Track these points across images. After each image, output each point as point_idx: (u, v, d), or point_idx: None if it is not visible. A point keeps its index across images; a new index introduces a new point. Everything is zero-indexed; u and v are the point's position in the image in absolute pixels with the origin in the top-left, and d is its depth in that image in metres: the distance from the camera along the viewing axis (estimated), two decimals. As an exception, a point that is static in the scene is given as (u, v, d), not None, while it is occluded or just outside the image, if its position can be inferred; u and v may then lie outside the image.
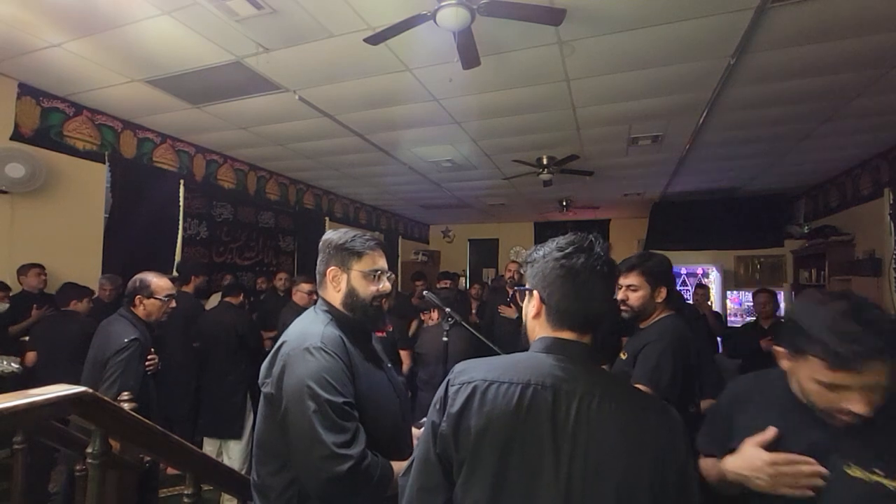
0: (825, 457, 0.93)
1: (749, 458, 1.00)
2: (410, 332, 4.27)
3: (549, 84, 3.33)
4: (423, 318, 4.03)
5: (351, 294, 1.31)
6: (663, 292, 1.82)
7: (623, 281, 1.85)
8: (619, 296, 1.85)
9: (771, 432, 0.99)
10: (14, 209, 3.39)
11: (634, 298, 1.82)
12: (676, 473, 0.76)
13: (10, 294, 3.22)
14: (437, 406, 0.88)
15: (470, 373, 0.89)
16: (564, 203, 7.58)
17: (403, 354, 3.33)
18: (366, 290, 1.32)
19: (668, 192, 6.81)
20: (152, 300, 2.27)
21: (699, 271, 7.25)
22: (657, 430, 0.79)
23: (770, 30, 2.58)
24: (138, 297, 2.27)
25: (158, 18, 2.57)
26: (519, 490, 0.79)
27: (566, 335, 0.89)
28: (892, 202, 4.50)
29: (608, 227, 9.43)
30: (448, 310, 1.90)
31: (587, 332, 0.89)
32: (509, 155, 5.01)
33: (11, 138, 3.36)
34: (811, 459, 0.93)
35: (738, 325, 5.49)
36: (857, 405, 0.87)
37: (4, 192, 3.30)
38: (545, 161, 5.05)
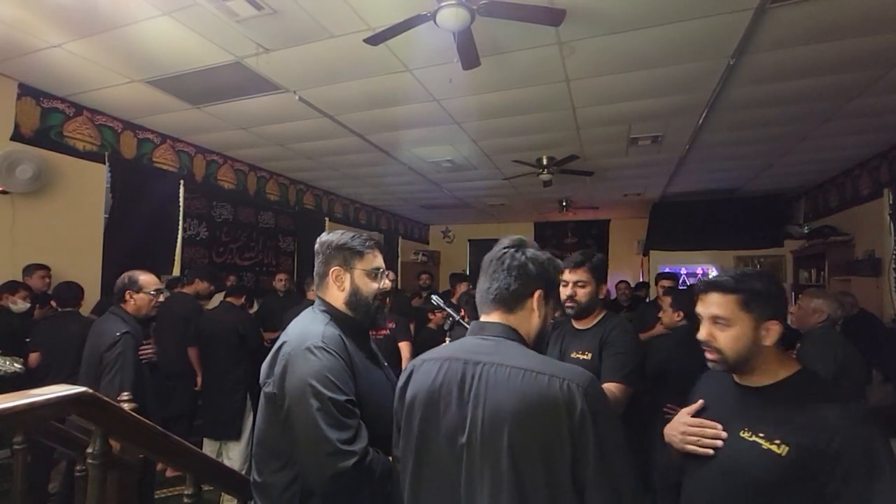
0: (729, 423, 1.12)
1: (675, 421, 1.22)
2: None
3: (548, 84, 3.33)
4: (430, 318, 4.06)
5: (355, 293, 1.33)
6: (604, 290, 1.93)
7: (570, 277, 1.86)
8: (567, 292, 1.86)
9: (699, 403, 1.21)
10: (15, 209, 3.39)
11: (582, 294, 1.85)
12: (571, 433, 0.82)
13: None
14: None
15: (420, 357, 1.07)
16: (564, 203, 7.59)
17: (403, 346, 3.33)
18: (369, 288, 1.35)
19: (668, 192, 6.81)
20: (141, 294, 2.34)
21: (699, 271, 7.25)
22: (548, 391, 0.85)
23: (769, 30, 2.59)
24: (128, 292, 2.34)
25: (158, 19, 2.58)
26: (436, 448, 0.93)
27: (483, 318, 1.04)
28: (891, 202, 4.50)
29: (608, 228, 9.43)
30: (448, 310, 1.92)
31: (492, 311, 1.02)
32: (509, 155, 5.01)
33: (12, 139, 3.36)
34: (716, 424, 1.13)
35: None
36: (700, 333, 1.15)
37: (5, 193, 3.31)
38: (545, 161, 5.06)
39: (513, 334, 1.00)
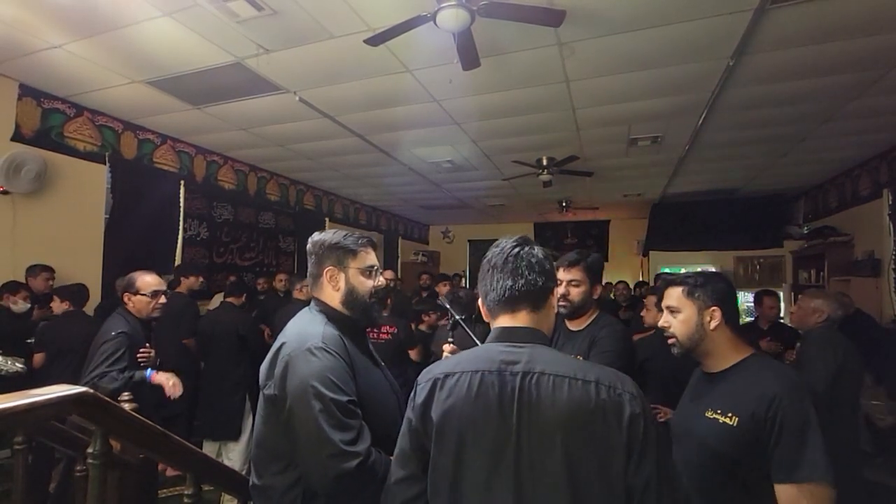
0: (698, 406, 1.29)
1: None
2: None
3: (548, 85, 3.33)
4: (423, 319, 4.03)
5: (351, 292, 1.32)
6: (598, 290, 1.90)
7: (565, 276, 1.86)
8: (560, 290, 1.85)
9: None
10: (16, 210, 3.39)
11: (576, 293, 1.84)
12: (623, 438, 0.81)
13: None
14: (410, 404, 0.99)
15: (433, 370, 0.99)
16: (564, 204, 7.59)
17: (413, 353, 3.31)
18: (364, 286, 1.34)
19: (668, 192, 6.81)
20: (138, 297, 2.34)
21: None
22: (597, 398, 0.84)
23: (769, 31, 2.59)
24: (126, 294, 2.35)
25: (159, 20, 2.58)
26: (477, 468, 0.87)
27: (503, 322, 0.98)
28: (890, 203, 4.50)
29: (608, 228, 9.44)
30: (451, 311, 1.92)
31: (517, 312, 0.97)
32: (509, 156, 5.02)
33: (12, 139, 3.36)
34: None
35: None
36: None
37: (6, 193, 3.31)
38: (545, 162, 5.06)
39: (542, 337, 0.96)
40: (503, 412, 0.86)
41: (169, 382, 2.30)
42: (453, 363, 0.97)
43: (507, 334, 0.95)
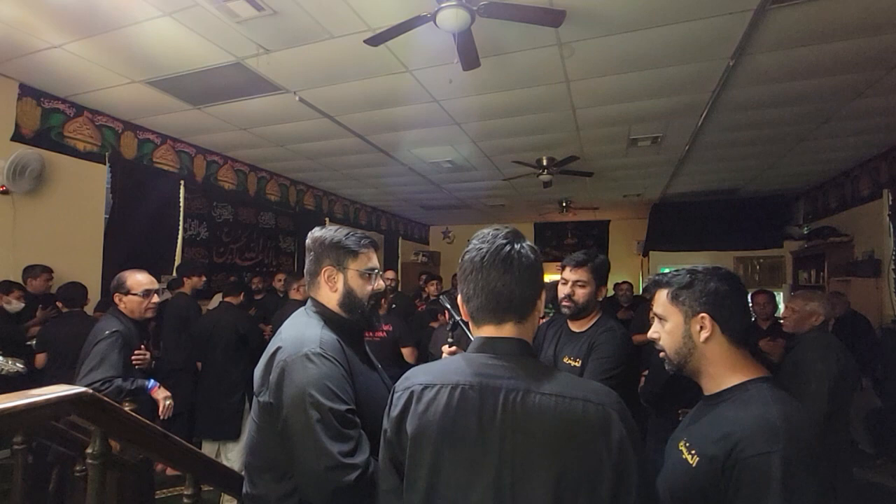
0: (680, 434, 1.08)
1: None
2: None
3: (548, 85, 3.33)
4: (438, 318, 4.05)
5: (349, 294, 1.27)
6: (603, 291, 1.89)
7: (571, 276, 1.86)
8: (565, 291, 1.85)
9: None
10: (16, 209, 3.39)
11: (581, 294, 1.83)
12: (611, 459, 0.76)
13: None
14: (385, 414, 0.93)
15: (411, 378, 0.92)
16: (564, 204, 7.60)
17: (407, 352, 3.32)
18: (363, 289, 1.29)
19: (668, 193, 6.81)
20: (129, 297, 2.27)
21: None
22: (584, 417, 0.78)
23: (769, 31, 2.59)
24: (116, 294, 2.29)
25: (159, 20, 2.58)
26: (454, 486, 0.81)
27: (487, 332, 0.90)
28: (890, 203, 4.51)
29: (608, 228, 9.44)
30: (452, 311, 1.92)
31: (504, 322, 0.88)
32: (509, 156, 5.02)
33: (12, 139, 3.37)
34: None
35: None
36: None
37: (6, 193, 3.31)
38: (545, 162, 5.06)
39: (527, 348, 0.88)
40: (483, 430, 0.81)
41: (165, 403, 2.26)
42: (433, 373, 0.90)
43: (491, 346, 0.88)
